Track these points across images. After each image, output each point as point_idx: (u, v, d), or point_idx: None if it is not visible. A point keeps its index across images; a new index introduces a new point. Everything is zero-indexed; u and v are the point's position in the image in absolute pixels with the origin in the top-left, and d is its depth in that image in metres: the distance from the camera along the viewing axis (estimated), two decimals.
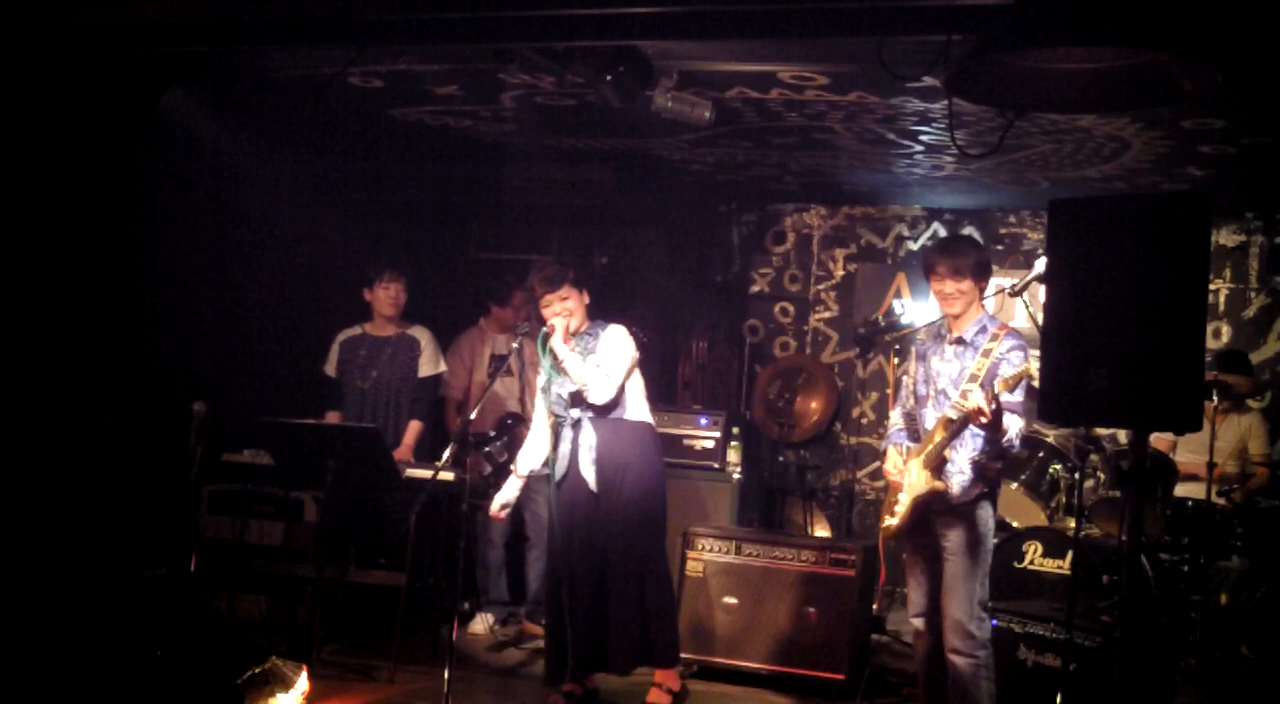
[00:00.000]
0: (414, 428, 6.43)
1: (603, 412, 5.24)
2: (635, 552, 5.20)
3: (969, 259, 4.59)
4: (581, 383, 5.16)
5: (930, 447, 4.56)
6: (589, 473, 5.21)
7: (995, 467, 4.61)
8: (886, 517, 4.75)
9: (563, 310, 5.22)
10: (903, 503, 4.65)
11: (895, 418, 4.94)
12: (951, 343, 4.64)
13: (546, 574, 5.54)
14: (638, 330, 5.75)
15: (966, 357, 4.58)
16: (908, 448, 4.73)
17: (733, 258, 8.95)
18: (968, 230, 8.39)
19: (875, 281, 8.60)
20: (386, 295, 6.42)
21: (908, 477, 4.64)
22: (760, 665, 5.77)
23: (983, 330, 4.60)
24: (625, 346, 5.27)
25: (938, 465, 4.53)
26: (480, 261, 8.29)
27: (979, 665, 4.52)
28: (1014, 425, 4.43)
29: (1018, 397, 4.40)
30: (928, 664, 4.76)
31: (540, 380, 5.43)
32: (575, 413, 5.26)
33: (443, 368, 6.59)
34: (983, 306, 4.67)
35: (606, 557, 5.20)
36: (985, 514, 4.59)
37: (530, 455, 5.50)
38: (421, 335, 6.53)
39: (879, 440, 8.58)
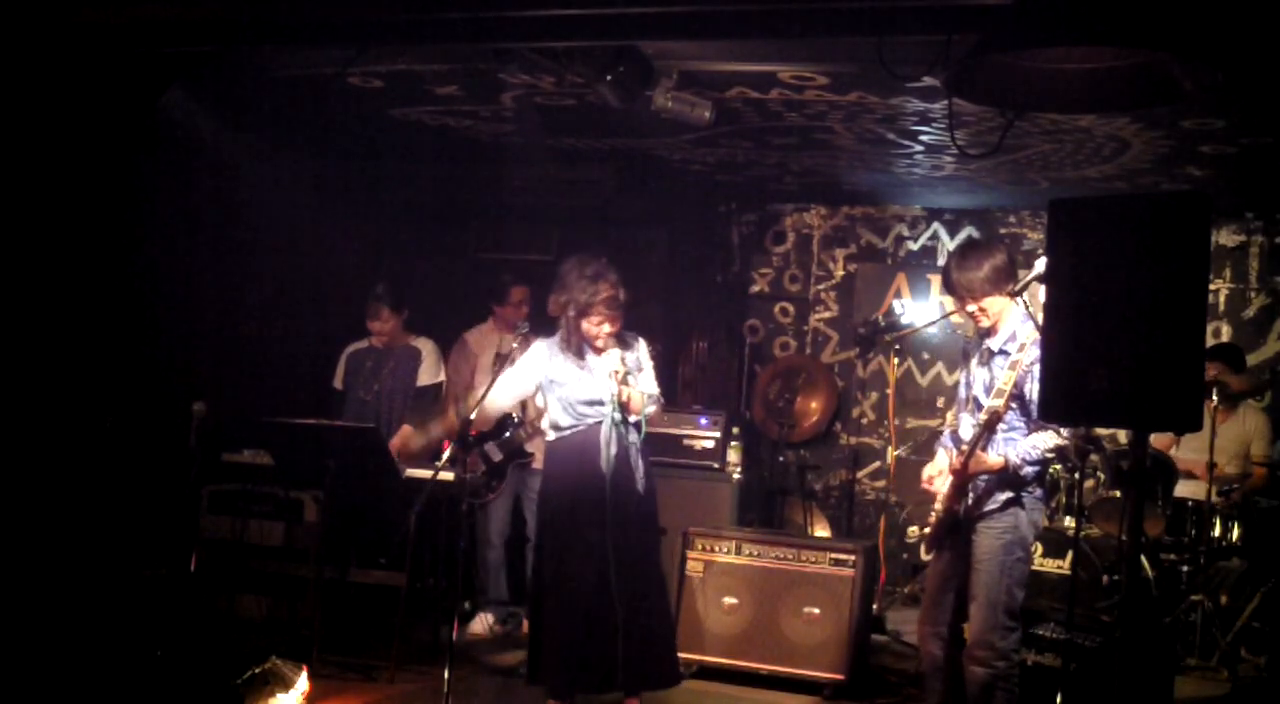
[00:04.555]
0: (404, 433, 6.43)
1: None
2: (648, 563, 5.04)
3: (977, 276, 4.37)
4: (645, 414, 4.97)
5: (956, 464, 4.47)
6: (639, 469, 5.01)
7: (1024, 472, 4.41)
8: (925, 527, 4.64)
9: (611, 336, 4.98)
10: (935, 512, 4.56)
11: (951, 418, 4.83)
12: (986, 351, 4.52)
13: (557, 571, 5.02)
14: (657, 347, 5.66)
15: (995, 366, 4.42)
16: (955, 452, 4.62)
17: (733, 258, 8.96)
18: (968, 230, 8.38)
19: (875, 281, 8.60)
20: (372, 327, 6.48)
21: (942, 487, 4.54)
22: (760, 665, 5.76)
23: (1012, 338, 4.40)
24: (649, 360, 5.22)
25: (960, 483, 4.43)
26: (481, 261, 8.29)
27: (995, 676, 4.35)
28: (1041, 442, 4.34)
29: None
30: (928, 672, 4.66)
31: (561, 385, 5.05)
32: (610, 410, 4.94)
33: (442, 377, 6.64)
34: (1016, 302, 4.41)
35: (633, 564, 4.94)
36: (1014, 522, 4.40)
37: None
38: (424, 346, 6.59)
39: (879, 440, 8.61)
